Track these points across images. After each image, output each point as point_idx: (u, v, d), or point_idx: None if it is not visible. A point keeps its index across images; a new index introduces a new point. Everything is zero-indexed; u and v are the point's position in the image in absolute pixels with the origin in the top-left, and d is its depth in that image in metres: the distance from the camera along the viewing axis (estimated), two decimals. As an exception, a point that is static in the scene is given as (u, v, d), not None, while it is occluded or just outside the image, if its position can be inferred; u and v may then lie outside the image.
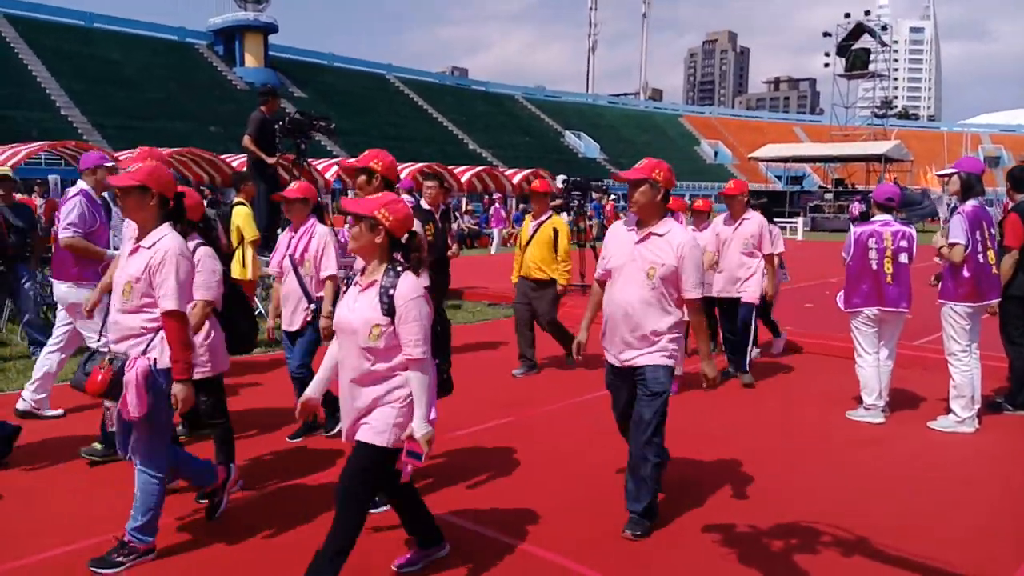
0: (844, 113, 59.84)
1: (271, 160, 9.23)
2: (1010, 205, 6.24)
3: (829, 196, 40.30)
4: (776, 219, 35.82)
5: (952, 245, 5.65)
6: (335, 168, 31.31)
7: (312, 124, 9.63)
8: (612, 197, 34.20)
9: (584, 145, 74.90)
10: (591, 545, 3.82)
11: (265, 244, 9.06)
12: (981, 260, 5.64)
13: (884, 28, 58.00)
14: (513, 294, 7.84)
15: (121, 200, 3.54)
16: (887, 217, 6.00)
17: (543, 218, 7.46)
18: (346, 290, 3.34)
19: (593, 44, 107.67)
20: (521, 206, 29.78)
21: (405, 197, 9.09)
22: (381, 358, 3.13)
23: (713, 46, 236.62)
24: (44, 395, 5.74)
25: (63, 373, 5.81)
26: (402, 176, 23.19)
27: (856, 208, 31.47)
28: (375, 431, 3.15)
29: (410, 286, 3.10)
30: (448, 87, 77.73)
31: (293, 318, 5.28)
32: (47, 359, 5.70)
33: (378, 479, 3.26)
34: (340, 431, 5.06)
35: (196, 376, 3.76)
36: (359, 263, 3.35)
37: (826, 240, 29.58)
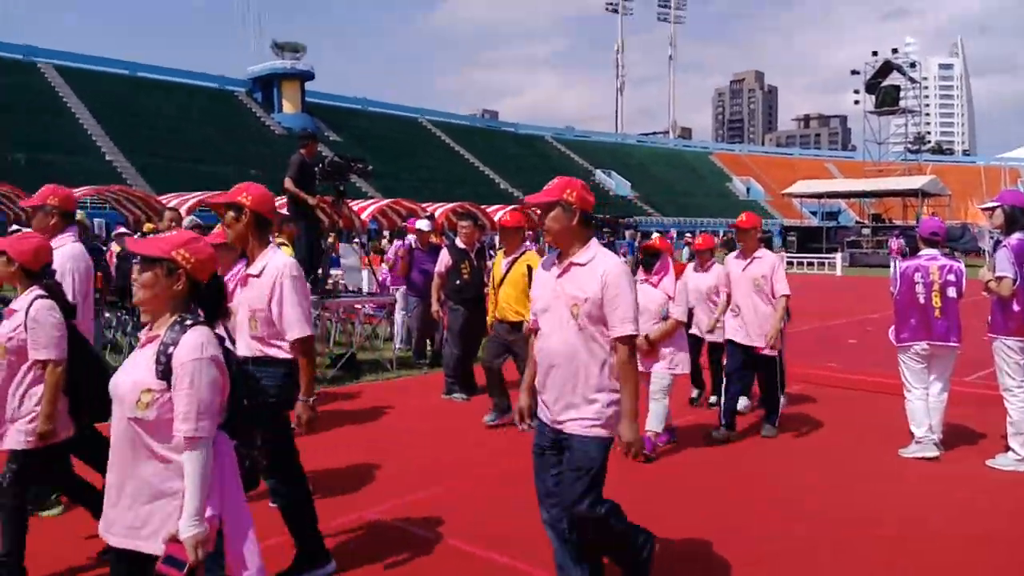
0: (877, 149, 59.39)
1: (312, 201, 9.37)
2: None
3: (867, 231, 39.81)
4: (813, 254, 35.58)
5: (1000, 279, 5.53)
6: (371, 208, 31.76)
7: (350, 166, 9.78)
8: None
9: (615, 183, 75.13)
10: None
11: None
12: None
13: (913, 65, 57.76)
14: None
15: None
16: (933, 251, 5.95)
17: (516, 255, 6.78)
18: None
19: (621, 85, 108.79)
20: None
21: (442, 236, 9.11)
22: (152, 433, 2.45)
23: (740, 85, 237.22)
24: None
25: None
26: (436, 215, 23.36)
27: (895, 243, 31.18)
28: (153, 534, 2.45)
29: (192, 345, 2.45)
30: (479, 129, 78.76)
31: None
32: None
33: None
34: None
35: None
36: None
37: (865, 276, 29.15)
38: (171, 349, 2.46)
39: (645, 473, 5.42)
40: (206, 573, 2.45)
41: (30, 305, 3.55)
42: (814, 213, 61.14)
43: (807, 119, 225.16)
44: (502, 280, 6.72)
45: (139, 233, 11.67)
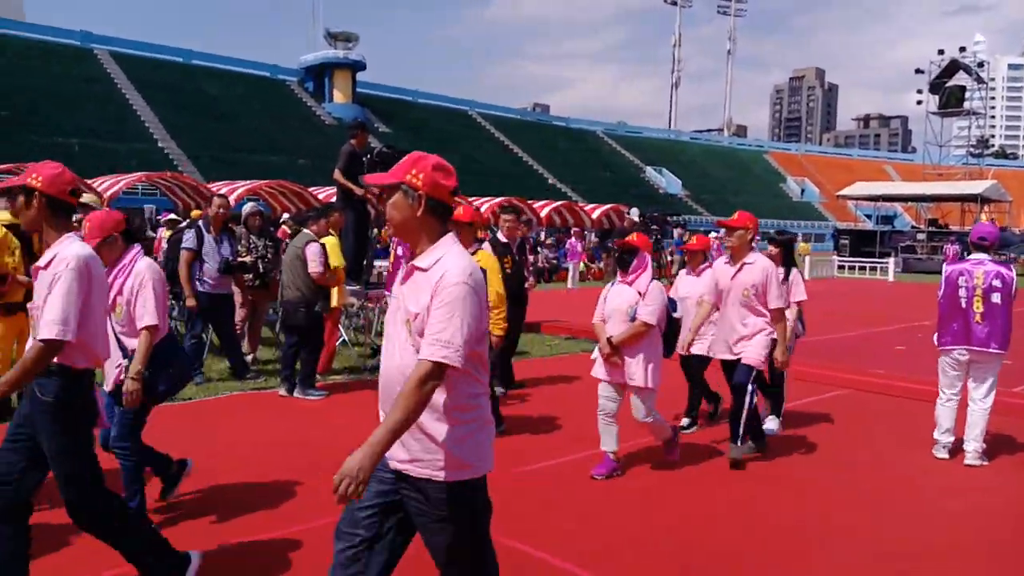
0: (938, 151, 57.74)
1: (359, 192, 9.49)
2: None
3: (922, 236, 38.79)
4: (866, 259, 34.85)
5: None
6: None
7: (398, 157, 9.87)
8: (713, 234, 33.85)
9: (666, 181, 74.42)
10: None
11: (352, 274, 9.31)
12: None
13: (980, 65, 55.87)
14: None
15: None
16: (981, 256, 5.87)
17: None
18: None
19: (677, 80, 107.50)
20: (594, 240, 29.68)
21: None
22: None
23: (800, 83, 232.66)
24: None
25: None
26: (482, 209, 23.39)
27: (951, 249, 30.33)
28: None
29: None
30: (529, 123, 78.66)
31: (107, 375, 4.23)
32: None
33: None
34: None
35: None
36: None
37: (918, 282, 28.43)
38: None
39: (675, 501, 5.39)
40: None
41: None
42: (869, 216, 59.79)
43: (867, 119, 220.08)
44: None
45: (187, 219, 11.92)
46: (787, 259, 6.60)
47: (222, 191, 21.47)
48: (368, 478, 2.32)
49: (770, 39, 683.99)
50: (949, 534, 4.50)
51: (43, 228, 3.25)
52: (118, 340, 4.10)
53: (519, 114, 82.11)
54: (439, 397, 2.45)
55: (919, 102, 56.24)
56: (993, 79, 76.74)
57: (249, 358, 8.56)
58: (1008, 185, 51.71)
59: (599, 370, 5.31)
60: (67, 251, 3.18)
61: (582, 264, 25.28)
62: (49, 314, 3.08)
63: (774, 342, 5.69)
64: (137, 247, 4.19)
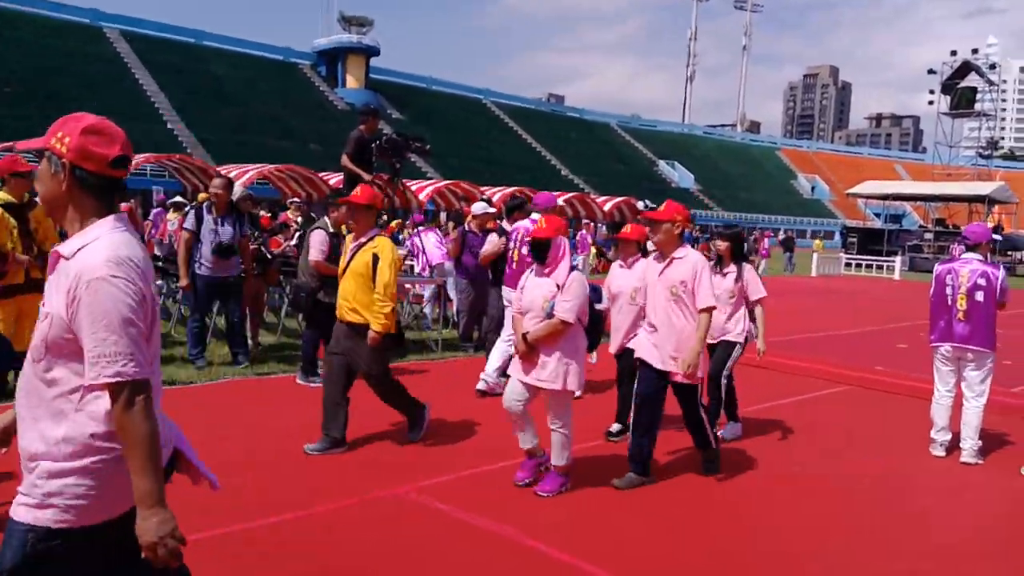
0: (948, 152, 57.52)
1: (368, 178, 9.53)
2: None
3: (929, 236, 38.68)
4: (873, 257, 34.84)
5: (1004, 290, 5.63)
6: (430, 189, 32.01)
7: (408, 145, 9.90)
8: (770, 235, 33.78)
9: (678, 175, 74.26)
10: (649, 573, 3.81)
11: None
12: None
13: (992, 67, 55.61)
14: None
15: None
16: (971, 255, 5.94)
17: (364, 239, 5.37)
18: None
19: (691, 74, 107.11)
20: (604, 232, 29.66)
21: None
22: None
23: (814, 80, 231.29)
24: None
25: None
26: (494, 199, 23.33)
27: (957, 249, 30.14)
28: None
29: None
30: (543, 113, 78.49)
31: None
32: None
33: None
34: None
35: None
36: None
37: (924, 281, 28.30)
38: None
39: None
40: None
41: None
42: (878, 215, 59.58)
43: (879, 118, 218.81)
44: (345, 269, 5.42)
45: (193, 202, 11.97)
46: (738, 254, 6.09)
47: (232, 175, 21.58)
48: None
49: (786, 35, 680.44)
50: (946, 534, 4.56)
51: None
52: None
53: (534, 104, 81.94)
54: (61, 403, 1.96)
55: (931, 102, 56.07)
56: (1004, 81, 76.34)
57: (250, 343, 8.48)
58: (1016, 187, 51.51)
59: (514, 366, 4.86)
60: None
61: (592, 256, 25.31)
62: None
63: (732, 345, 5.90)
64: None
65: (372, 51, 60.86)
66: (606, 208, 36.66)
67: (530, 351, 4.69)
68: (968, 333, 5.76)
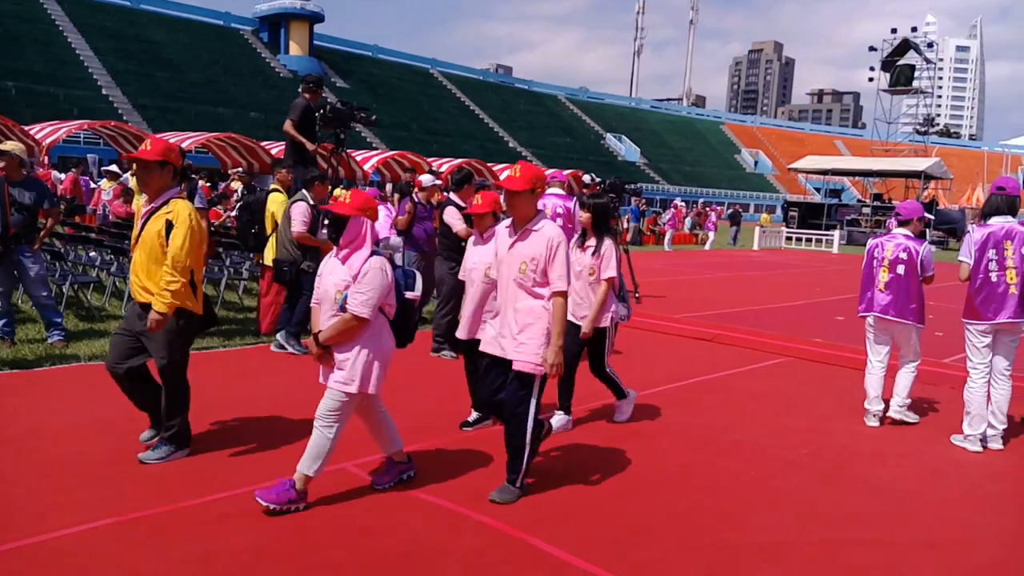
0: (886, 128, 58.99)
1: (312, 147, 9.35)
2: None
3: (867, 211, 39.77)
4: (813, 231, 35.71)
5: (960, 263, 5.83)
6: (376, 159, 31.57)
7: (352, 114, 9.74)
8: (678, 200, 34.03)
9: (625, 148, 74.68)
10: (597, 546, 3.86)
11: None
12: (994, 279, 5.61)
13: (930, 45, 57.03)
14: None
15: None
16: (899, 231, 6.23)
17: (157, 204, 4.46)
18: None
19: (639, 48, 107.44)
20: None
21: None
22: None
23: (758, 55, 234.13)
24: None
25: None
26: (441, 171, 23.10)
27: (893, 223, 31.15)
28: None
29: None
30: (491, 84, 77.95)
31: None
32: None
33: None
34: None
35: None
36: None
37: (861, 254, 29.08)
38: None
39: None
40: None
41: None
42: (818, 189, 60.94)
43: (821, 94, 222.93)
44: (137, 239, 4.53)
45: (131, 171, 11.60)
46: (600, 227, 5.54)
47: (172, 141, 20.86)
48: None
49: (732, 10, 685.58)
50: (876, 500, 4.71)
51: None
52: None
53: (481, 75, 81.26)
54: None
55: (871, 79, 57.23)
56: (941, 60, 78.38)
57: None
58: (950, 163, 53.28)
59: (323, 376, 4.10)
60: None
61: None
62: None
63: (600, 332, 5.55)
64: None
65: (316, 17, 59.51)
66: (554, 181, 36.68)
67: (324, 352, 4.00)
68: (887, 304, 6.07)
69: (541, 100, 78.11)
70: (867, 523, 4.28)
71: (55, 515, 3.74)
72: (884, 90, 56.12)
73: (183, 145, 23.96)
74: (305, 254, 7.38)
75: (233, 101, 47.39)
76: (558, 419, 5.59)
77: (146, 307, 4.40)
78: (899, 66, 54.65)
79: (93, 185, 20.07)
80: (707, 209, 37.59)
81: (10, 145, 7.09)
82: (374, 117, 10.43)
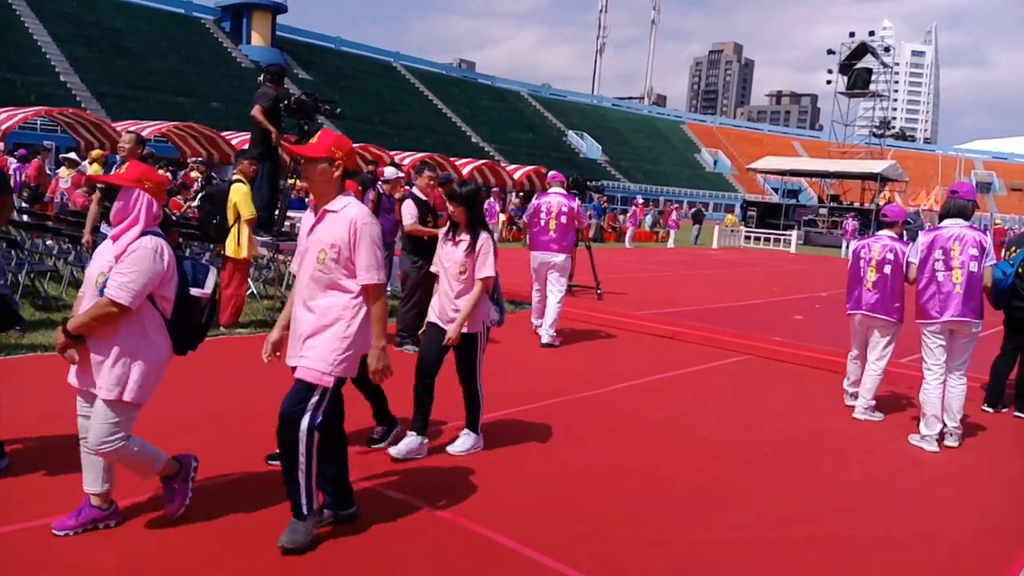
0: (843, 130, 60.11)
1: (275, 137, 9.24)
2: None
3: (824, 211, 40.53)
4: (771, 231, 36.25)
5: (909, 264, 6.11)
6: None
7: (316, 106, 9.65)
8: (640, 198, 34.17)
9: (586, 145, 74.97)
10: (563, 542, 3.89)
11: (263, 224, 9.09)
12: (940, 279, 5.79)
13: (887, 49, 58.27)
14: (510, 288, 7.55)
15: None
16: (884, 232, 6.56)
17: None
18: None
19: (601, 47, 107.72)
20: (516, 201, 29.74)
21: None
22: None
23: (719, 56, 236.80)
24: None
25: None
26: (404, 164, 22.92)
27: (850, 224, 31.86)
28: None
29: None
30: (454, 79, 77.60)
31: None
32: None
33: None
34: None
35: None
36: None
37: (819, 255, 29.70)
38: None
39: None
40: None
41: None
42: (776, 190, 61.89)
43: (779, 95, 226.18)
44: None
45: (88, 159, 11.37)
46: (473, 219, 4.91)
47: (129, 130, 20.45)
48: None
49: (693, 11, 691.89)
50: (836, 497, 4.80)
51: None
52: None
53: (444, 69, 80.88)
54: None
55: (829, 82, 58.25)
56: (898, 64, 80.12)
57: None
58: (905, 165, 54.40)
59: (71, 374, 3.49)
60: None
61: (502, 224, 25.38)
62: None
63: (470, 339, 4.87)
64: None
65: (279, 8, 58.65)
66: (516, 176, 36.75)
67: (73, 344, 3.34)
68: (875, 302, 6.36)
69: (504, 96, 78.00)
70: (827, 520, 4.37)
71: None
72: (841, 93, 57.15)
73: (143, 134, 23.47)
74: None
75: (194, 90, 46.53)
76: (408, 442, 4.75)
77: None
78: (856, 69, 55.70)
79: (49, 172, 19.57)
80: (669, 207, 38.01)
81: None
82: (338, 110, 10.34)
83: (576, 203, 8.98)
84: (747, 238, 34.22)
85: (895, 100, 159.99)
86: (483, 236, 4.88)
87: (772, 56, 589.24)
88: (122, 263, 3.31)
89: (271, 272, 10.12)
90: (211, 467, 4.18)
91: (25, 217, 11.85)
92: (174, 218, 8.89)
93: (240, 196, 7.91)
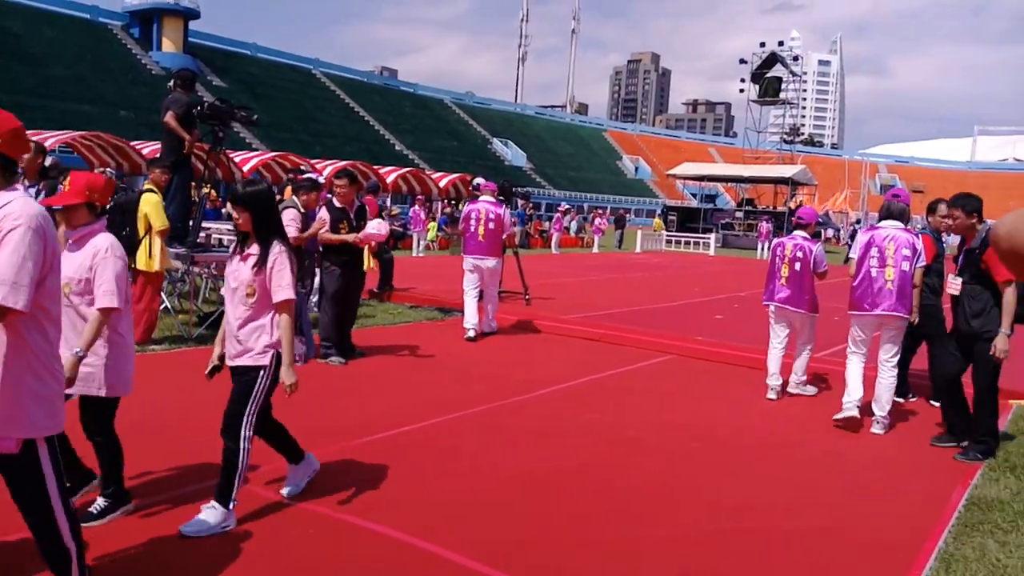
0: (756, 137, 62.16)
1: (188, 145, 8.91)
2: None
3: (740, 215, 41.77)
4: (690, 234, 37.22)
5: (850, 260, 6.48)
6: (256, 160, 30.61)
7: (232, 112, 9.34)
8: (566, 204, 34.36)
9: (511, 153, 75.40)
10: (496, 547, 3.84)
11: (177, 235, 8.75)
12: (874, 275, 6.14)
13: (795, 59, 60.54)
14: (439, 296, 7.61)
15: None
16: (798, 232, 7.10)
17: None
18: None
19: (523, 55, 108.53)
20: (447, 210, 29.63)
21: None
22: None
23: (637, 65, 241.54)
24: None
25: None
26: (324, 173, 22.65)
27: (765, 227, 32.94)
28: None
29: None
30: (376, 87, 76.98)
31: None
32: None
33: None
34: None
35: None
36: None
37: (736, 256, 30.54)
38: None
39: None
40: None
41: None
42: (694, 195, 63.39)
43: (695, 104, 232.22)
44: None
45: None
46: (263, 228, 3.87)
47: (35, 139, 19.47)
48: None
49: (611, 21, 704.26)
50: (763, 490, 4.88)
51: None
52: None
53: (366, 77, 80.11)
54: None
55: (742, 90, 60.16)
56: (806, 73, 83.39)
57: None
58: (815, 170, 56.56)
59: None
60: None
61: (431, 232, 25.22)
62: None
63: (251, 373, 3.79)
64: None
65: (191, 13, 57.11)
66: (442, 184, 36.62)
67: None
68: (787, 295, 6.89)
69: (427, 103, 77.78)
70: (760, 512, 4.44)
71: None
72: (754, 101, 59.12)
73: (46, 144, 22.43)
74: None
75: (101, 99, 44.84)
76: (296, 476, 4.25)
77: None
78: (767, 78, 57.74)
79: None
80: (593, 214, 38.53)
81: None
82: (255, 116, 10.06)
83: (503, 210, 9.56)
84: (668, 242, 34.93)
85: (804, 107, 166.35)
86: (276, 248, 3.80)
87: (688, 66, 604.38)
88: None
89: (186, 285, 9.76)
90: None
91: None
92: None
93: (151, 206, 7.61)
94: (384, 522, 3.95)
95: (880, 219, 6.48)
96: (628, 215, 45.88)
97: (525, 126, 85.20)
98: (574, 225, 34.71)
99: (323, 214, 7.63)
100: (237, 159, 29.29)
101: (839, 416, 6.23)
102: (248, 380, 3.78)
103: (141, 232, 7.60)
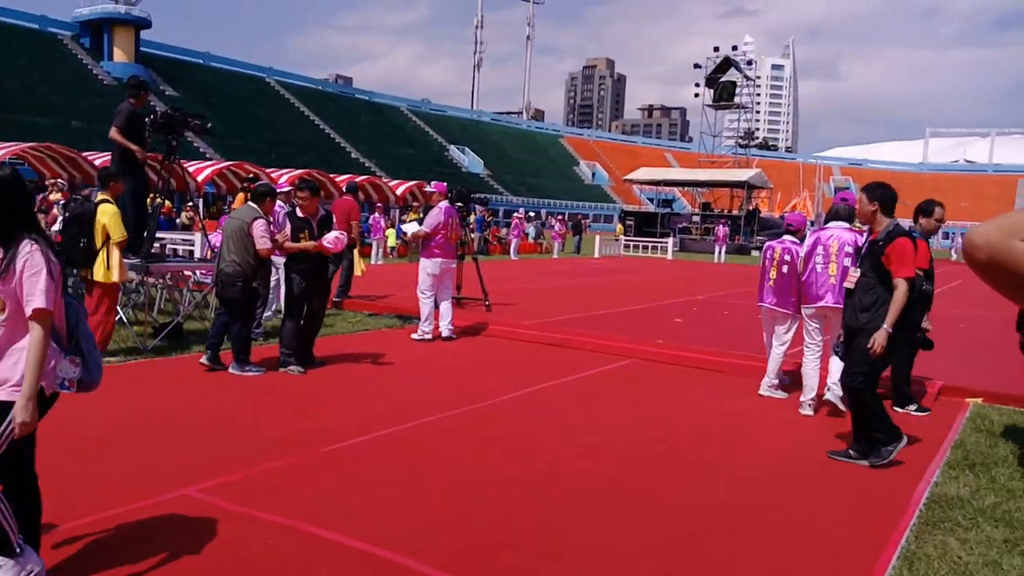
0: (711, 141, 63.02)
1: (140, 155, 8.77)
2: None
3: (697, 219, 42.32)
4: (648, 239, 37.49)
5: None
6: (210, 170, 30.19)
7: (186, 121, 9.23)
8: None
9: (468, 160, 75.40)
10: (464, 556, 3.84)
11: (131, 246, 8.61)
12: (819, 271, 6.58)
13: (749, 63, 61.68)
14: (398, 303, 7.67)
15: None
16: (787, 237, 7.30)
17: None
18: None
19: (479, 62, 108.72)
20: (404, 217, 29.54)
21: (281, 206, 9.00)
22: None
23: (592, 71, 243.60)
24: None
25: None
26: (280, 182, 22.60)
27: (721, 231, 33.43)
28: None
29: None
30: (331, 94, 76.49)
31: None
32: None
33: None
34: None
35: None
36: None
37: (693, 260, 30.93)
38: None
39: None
40: None
41: None
42: (651, 200, 64.14)
43: (651, 109, 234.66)
44: None
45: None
46: (7, 223, 3.04)
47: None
48: None
49: (567, 27, 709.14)
50: (729, 490, 4.94)
51: None
52: None
53: (320, 85, 79.54)
54: None
55: (697, 95, 61.00)
56: (759, 77, 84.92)
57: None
58: (769, 173, 57.67)
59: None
60: None
61: (390, 240, 25.13)
62: None
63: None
64: None
65: (142, 23, 56.20)
66: (399, 192, 36.51)
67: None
68: (775, 297, 7.15)
69: (383, 111, 77.49)
70: (723, 513, 4.50)
71: None
72: (709, 105, 59.94)
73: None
74: (257, 270, 7.41)
75: (52, 110, 43.89)
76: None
77: None
78: (722, 83, 58.62)
79: None
80: (555, 219, 38.72)
81: None
82: (209, 125, 9.94)
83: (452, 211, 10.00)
84: (626, 247, 35.23)
85: (758, 112, 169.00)
86: (26, 247, 3.00)
87: (643, 71, 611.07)
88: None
89: (141, 296, 9.60)
90: (68, 507, 3.90)
91: None
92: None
93: (109, 217, 7.48)
94: (346, 532, 3.92)
95: (827, 220, 6.90)
96: (587, 221, 46.21)
97: (482, 133, 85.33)
98: (532, 231, 34.86)
99: (285, 224, 7.80)
100: (191, 168, 28.90)
101: (803, 410, 6.76)
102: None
103: (98, 243, 7.48)
